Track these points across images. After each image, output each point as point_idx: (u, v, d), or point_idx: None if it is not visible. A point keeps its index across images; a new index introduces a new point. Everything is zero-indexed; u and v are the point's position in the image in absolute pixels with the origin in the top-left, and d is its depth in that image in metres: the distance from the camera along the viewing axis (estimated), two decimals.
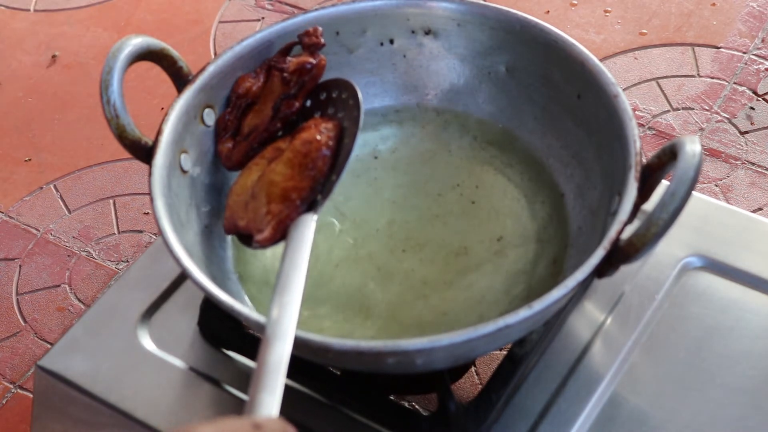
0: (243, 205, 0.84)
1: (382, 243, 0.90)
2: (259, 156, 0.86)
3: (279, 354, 0.68)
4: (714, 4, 1.63)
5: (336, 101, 0.86)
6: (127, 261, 1.37)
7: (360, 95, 0.84)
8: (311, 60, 0.87)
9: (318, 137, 0.83)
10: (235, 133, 0.88)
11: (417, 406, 0.90)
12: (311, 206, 0.82)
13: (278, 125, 0.87)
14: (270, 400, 0.65)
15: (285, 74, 0.87)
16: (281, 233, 0.81)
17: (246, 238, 0.84)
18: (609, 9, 1.64)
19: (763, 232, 0.95)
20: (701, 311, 0.89)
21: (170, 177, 0.84)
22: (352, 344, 0.74)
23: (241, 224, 0.84)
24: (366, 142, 0.97)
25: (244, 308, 0.76)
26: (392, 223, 0.92)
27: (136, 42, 0.86)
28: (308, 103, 0.88)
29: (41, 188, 1.48)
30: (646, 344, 0.87)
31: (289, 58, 0.89)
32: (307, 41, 0.88)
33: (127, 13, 1.74)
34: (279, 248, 0.90)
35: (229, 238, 0.90)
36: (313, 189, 0.82)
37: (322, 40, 0.88)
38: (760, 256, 0.92)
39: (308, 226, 0.80)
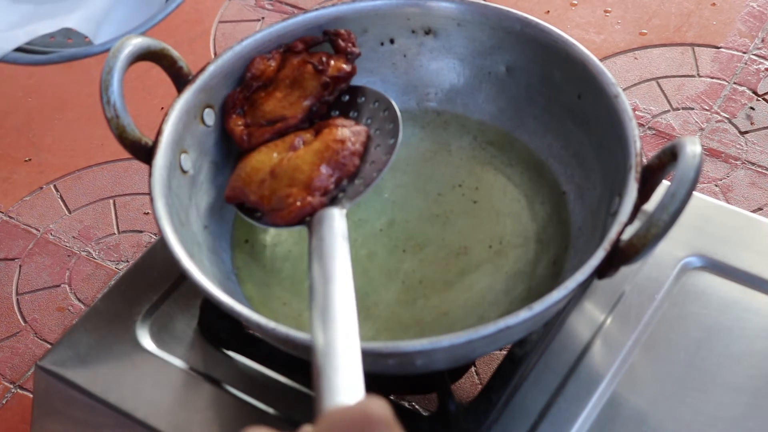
0: (258, 181, 0.85)
1: (382, 243, 0.90)
2: (280, 139, 0.88)
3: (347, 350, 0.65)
4: (714, 4, 1.63)
5: (361, 107, 0.88)
6: (127, 261, 1.37)
7: (398, 110, 0.87)
8: (349, 70, 0.90)
9: (353, 139, 0.85)
10: (243, 111, 0.89)
11: (417, 406, 0.90)
12: (331, 201, 0.83)
13: (306, 122, 0.89)
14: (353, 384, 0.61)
15: (325, 78, 0.89)
16: (298, 219, 0.82)
17: (248, 211, 0.85)
18: (609, 9, 1.64)
19: (763, 232, 0.95)
20: (701, 311, 0.89)
21: (170, 177, 0.84)
22: None
23: (251, 198, 0.85)
24: None
25: (244, 309, 0.76)
26: (392, 223, 0.92)
27: (136, 42, 0.86)
28: None
29: (41, 188, 1.47)
30: (646, 344, 0.87)
31: (324, 59, 0.90)
32: (343, 47, 0.90)
33: None
34: (279, 248, 0.90)
35: (230, 238, 0.90)
36: (337, 185, 0.83)
37: (358, 50, 0.91)
38: (760, 256, 0.92)
39: (339, 220, 0.79)
